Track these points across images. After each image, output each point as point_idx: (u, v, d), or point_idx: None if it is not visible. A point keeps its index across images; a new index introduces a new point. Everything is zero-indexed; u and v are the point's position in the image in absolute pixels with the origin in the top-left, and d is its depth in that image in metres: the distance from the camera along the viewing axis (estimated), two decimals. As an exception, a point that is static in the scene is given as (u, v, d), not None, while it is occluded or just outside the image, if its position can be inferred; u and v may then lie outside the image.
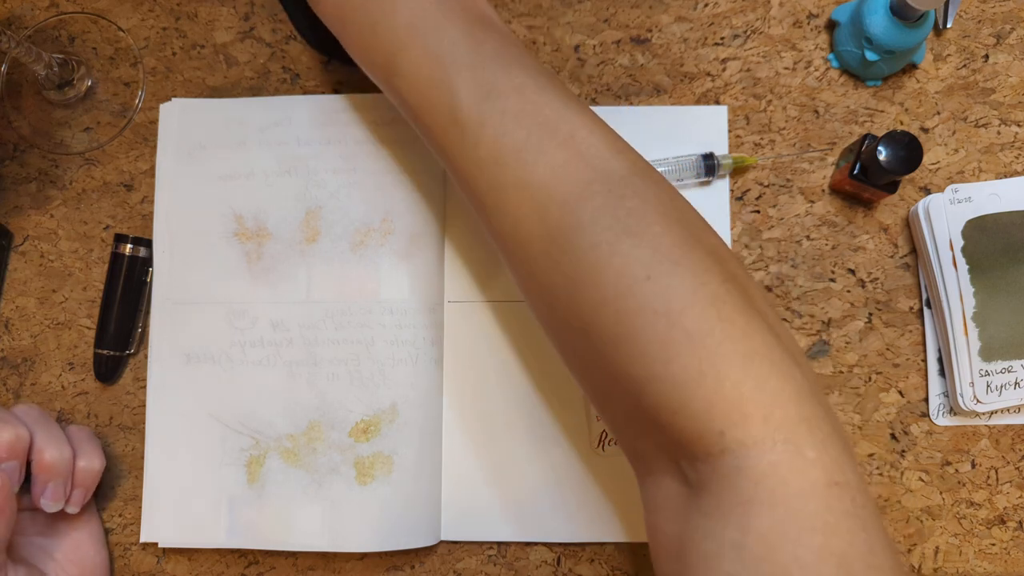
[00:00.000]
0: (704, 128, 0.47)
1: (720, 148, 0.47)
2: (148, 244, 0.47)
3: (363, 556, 0.46)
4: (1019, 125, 0.47)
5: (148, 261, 0.47)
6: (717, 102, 0.47)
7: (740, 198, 0.47)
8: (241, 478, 0.45)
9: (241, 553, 0.46)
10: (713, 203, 0.47)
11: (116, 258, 0.47)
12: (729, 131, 0.47)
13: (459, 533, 0.45)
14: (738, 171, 0.47)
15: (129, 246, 0.47)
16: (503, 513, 0.45)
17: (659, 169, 0.46)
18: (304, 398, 0.45)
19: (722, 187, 0.47)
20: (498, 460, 0.45)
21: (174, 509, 0.45)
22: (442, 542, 0.46)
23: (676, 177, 0.46)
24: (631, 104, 0.48)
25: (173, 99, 0.48)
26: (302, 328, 0.46)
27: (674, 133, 0.47)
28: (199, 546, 0.45)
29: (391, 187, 0.46)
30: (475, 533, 0.45)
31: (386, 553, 0.46)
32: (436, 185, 0.47)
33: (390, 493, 0.44)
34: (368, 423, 0.45)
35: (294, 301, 0.46)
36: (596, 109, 0.47)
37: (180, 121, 0.48)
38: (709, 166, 0.46)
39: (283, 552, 0.46)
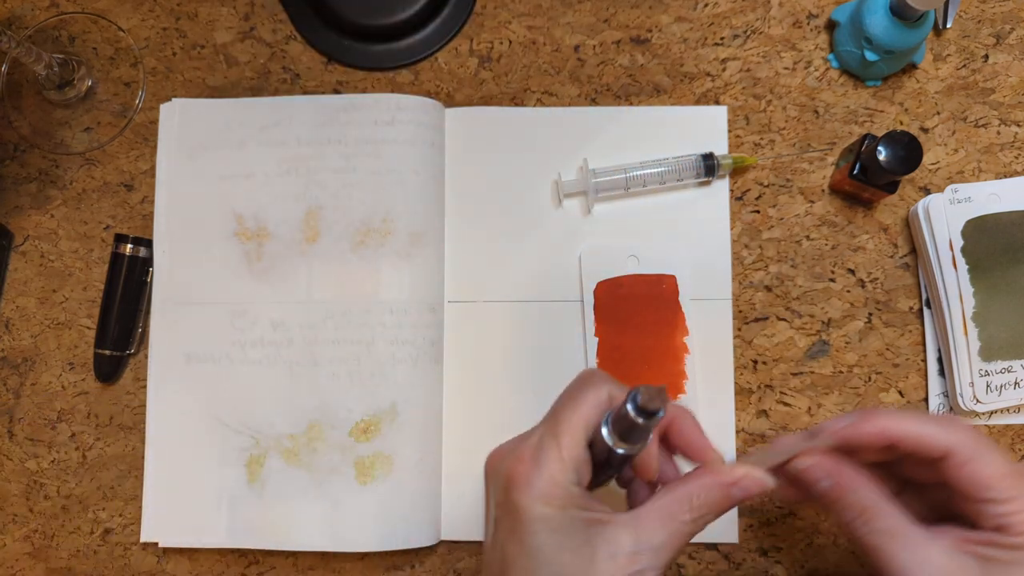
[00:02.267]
0: (704, 128, 0.47)
1: (720, 148, 0.47)
2: (148, 244, 0.47)
3: (363, 556, 0.46)
4: (1019, 125, 0.47)
5: (148, 261, 0.47)
6: (717, 102, 0.47)
7: (740, 198, 0.47)
8: (241, 478, 0.45)
9: (241, 553, 0.46)
10: (713, 203, 0.47)
11: (116, 258, 0.47)
12: (729, 131, 0.47)
13: (459, 533, 0.45)
14: (738, 171, 0.47)
15: (129, 246, 0.47)
16: (503, 513, 0.45)
17: (659, 169, 0.46)
18: (304, 398, 0.45)
19: (722, 187, 0.47)
20: (498, 460, 0.45)
21: (174, 509, 0.45)
22: (442, 542, 0.46)
23: (676, 177, 0.46)
24: (631, 104, 0.48)
25: (173, 99, 0.48)
26: (302, 328, 0.46)
27: (674, 133, 0.47)
28: (199, 546, 0.45)
29: (391, 187, 0.46)
30: (475, 533, 0.45)
31: (386, 553, 0.46)
32: (436, 185, 0.47)
33: (390, 493, 0.44)
34: (368, 423, 0.45)
35: (294, 301, 0.46)
36: (596, 109, 0.48)
37: (180, 121, 0.48)
38: (709, 166, 0.46)
39: (283, 552, 0.46)
